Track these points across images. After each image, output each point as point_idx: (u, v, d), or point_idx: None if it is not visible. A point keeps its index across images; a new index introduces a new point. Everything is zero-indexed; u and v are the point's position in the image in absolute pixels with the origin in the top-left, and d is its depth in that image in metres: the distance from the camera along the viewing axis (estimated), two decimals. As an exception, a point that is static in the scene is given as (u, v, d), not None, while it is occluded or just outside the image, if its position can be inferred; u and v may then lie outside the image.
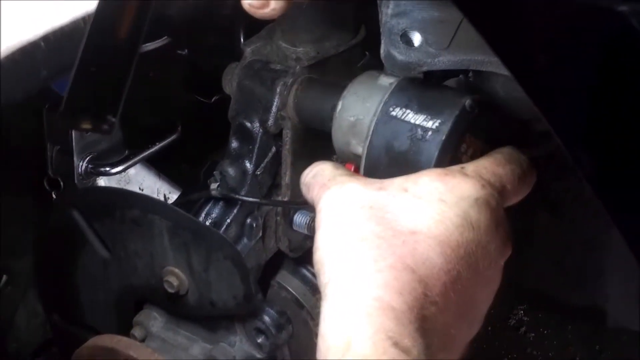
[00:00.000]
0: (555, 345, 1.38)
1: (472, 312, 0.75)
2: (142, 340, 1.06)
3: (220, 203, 0.99)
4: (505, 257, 0.77)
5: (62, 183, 1.17)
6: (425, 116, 0.78)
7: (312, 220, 0.99)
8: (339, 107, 0.86)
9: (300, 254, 1.04)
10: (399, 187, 0.74)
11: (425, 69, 0.81)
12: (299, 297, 1.05)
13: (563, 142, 0.56)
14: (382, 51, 0.83)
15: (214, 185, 0.98)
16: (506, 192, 0.77)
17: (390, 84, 0.82)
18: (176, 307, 1.03)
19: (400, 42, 0.81)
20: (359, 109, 0.84)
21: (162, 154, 1.21)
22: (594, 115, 0.53)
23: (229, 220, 0.99)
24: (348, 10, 0.97)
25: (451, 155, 0.78)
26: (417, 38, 0.81)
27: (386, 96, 0.81)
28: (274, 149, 0.98)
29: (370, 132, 0.80)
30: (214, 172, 0.99)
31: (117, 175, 1.25)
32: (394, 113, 0.80)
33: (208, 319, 1.04)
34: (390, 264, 0.68)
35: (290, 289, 1.06)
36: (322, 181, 0.78)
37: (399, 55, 0.81)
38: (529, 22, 0.51)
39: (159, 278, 1.00)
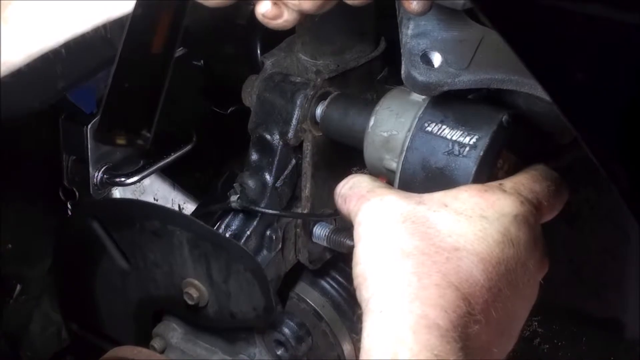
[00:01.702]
0: (570, 356, 1.38)
1: (511, 327, 0.75)
2: (162, 352, 1.06)
3: (240, 215, 1.00)
4: (543, 273, 0.78)
5: (77, 193, 1.17)
6: (461, 132, 0.78)
7: (332, 232, 1.00)
8: (372, 122, 0.85)
9: (320, 266, 1.04)
10: (439, 202, 0.74)
11: (446, 88, 0.81)
12: (318, 309, 1.05)
13: (597, 158, 0.56)
14: (402, 72, 0.83)
15: (234, 197, 0.98)
16: (543, 208, 0.77)
17: (424, 99, 0.82)
18: (196, 319, 1.04)
19: (421, 63, 0.81)
20: (393, 124, 0.84)
21: (177, 164, 1.22)
22: (629, 131, 0.53)
23: (248, 232, 0.99)
24: (368, 23, 0.97)
25: (488, 171, 0.78)
26: (437, 58, 0.81)
27: (420, 112, 0.81)
28: (293, 161, 0.98)
29: (405, 148, 0.80)
30: (234, 184, 0.99)
31: (132, 185, 1.26)
32: (429, 129, 0.80)
33: (227, 330, 1.05)
34: (435, 282, 0.68)
35: (309, 301, 1.06)
36: (360, 193, 0.78)
37: (420, 76, 0.81)
38: (566, 40, 0.51)
39: (179, 289, 1.00)
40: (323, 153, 0.97)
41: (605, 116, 0.53)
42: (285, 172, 0.98)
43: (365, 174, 0.83)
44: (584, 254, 1.19)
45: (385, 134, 0.84)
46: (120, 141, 0.67)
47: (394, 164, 0.83)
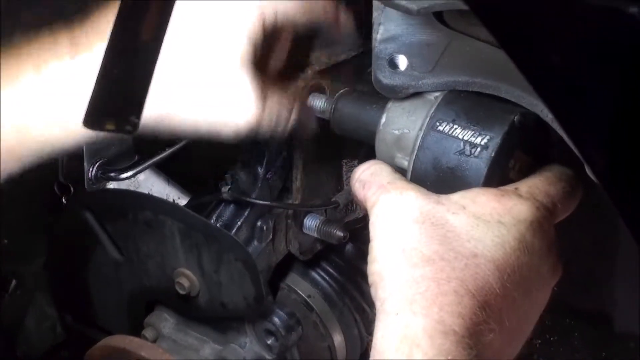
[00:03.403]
0: (562, 352, 1.38)
1: (522, 334, 0.75)
2: (154, 341, 1.07)
3: (232, 206, 1.01)
4: (556, 279, 0.78)
5: (72, 188, 1.18)
6: (473, 132, 0.78)
7: (322, 223, 1.01)
8: (383, 119, 0.85)
9: (310, 257, 1.05)
10: (457, 204, 0.74)
11: (411, 91, 0.83)
12: (308, 300, 1.06)
13: (573, 140, 0.57)
14: (372, 75, 0.85)
15: (225, 188, 0.99)
16: (557, 211, 0.77)
17: (436, 97, 0.82)
18: (187, 309, 1.04)
19: (387, 67, 0.83)
20: (404, 122, 0.83)
21: (172, 159, 1.22)
22: (604, 113, 0.54)
23: (239, 223, 1.00)
24: (359, 16, 0.98)
25: (500, 171, 0.78)
26: (403, 62, 0.83)
27: (432, 110, 0.81)
28: (284, 153, 0.99)
29: (417, 147, 0.80)
30: (225, 175, 1.00)
31: (127, 181, 1.27)
32: (440, 128, 0.79)
33: (218, 320, 1.05)
34: (454, 288, 0.68)
35: (300, 292, 1.06)
36: (381, 182, 0.78)
37: (384, 79, 0.83)
38: (542, 22, 0.52)
39: (171, 279, 1.01)
40: (314, 145, 0.98)
41: (580, 97, 0.54)
42: (276, 164, 0.99)
43: (379, 163, 0.82)
44: (573, 248, 1.19)
45: (396, 132, 0.83)
46: (109, 127, 0.68)
47: (405, 162, 0.82)
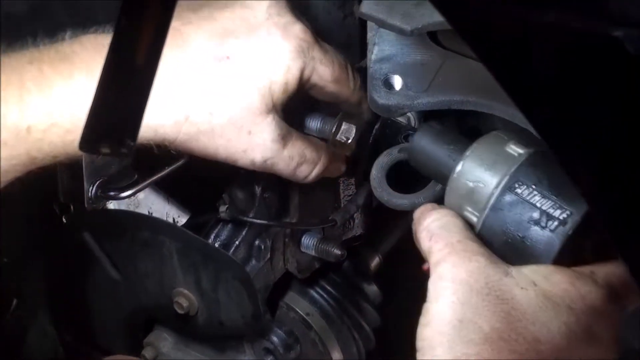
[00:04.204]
0: None
1: None
2: (152, 361, 1.07)
3: (229, 225, 1.01)
4: None
5: (72, 208, 1.19)
6: (553, 203, 0.73)
7: (320, 241, 1.01)
8: (459, 167, 0.79)
9: (308, 275, 1.06)
10: (528, 278, 0.70)
11: (406, 111, 0.83)
12: (307, 318, 1.06)
13: (558, 155, 0.57)
14: (367, 95, 0.85)
15: (222, 208, 0.99)
16: (629, 302, 0.73)
17: (520, 154, 0.77)
18: (186, 328, 1.05)
19: (382, 87, 0.83)
20: (481, 175, 0.77)
21: (171, 177, 1.23)
22: (590, 133, 0.55)
23: (237, 242, 1.00)
24: (354, 35, 0.99)
25: (574, 249, 0.73)
26: (397, 82, 0.83)
27: (513, 169, 0.76)
28: (281, 172, 1.00)
29: (489, 205, 0.76)
30: (223, 195, 1.01)
31: (127, 200, 1.27)
32: (519, 190, 0.75)
33: (217, 339, 1.06)
34: None
35: (298, 310, 1.07)
36: (451, 239, 0.74)
37: (380, 99, 0.84)
38: (526, 44, 0.53)
39: (169, 299, 1.02)
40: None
41: (566, 116, 0.55)
42: (274, 182, 1.00)
43: (452, 215, 0.77)
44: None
45: (471, 184, 0.78)
46: (105, 151, 0.68)
47: (474, 218, 0.77)
